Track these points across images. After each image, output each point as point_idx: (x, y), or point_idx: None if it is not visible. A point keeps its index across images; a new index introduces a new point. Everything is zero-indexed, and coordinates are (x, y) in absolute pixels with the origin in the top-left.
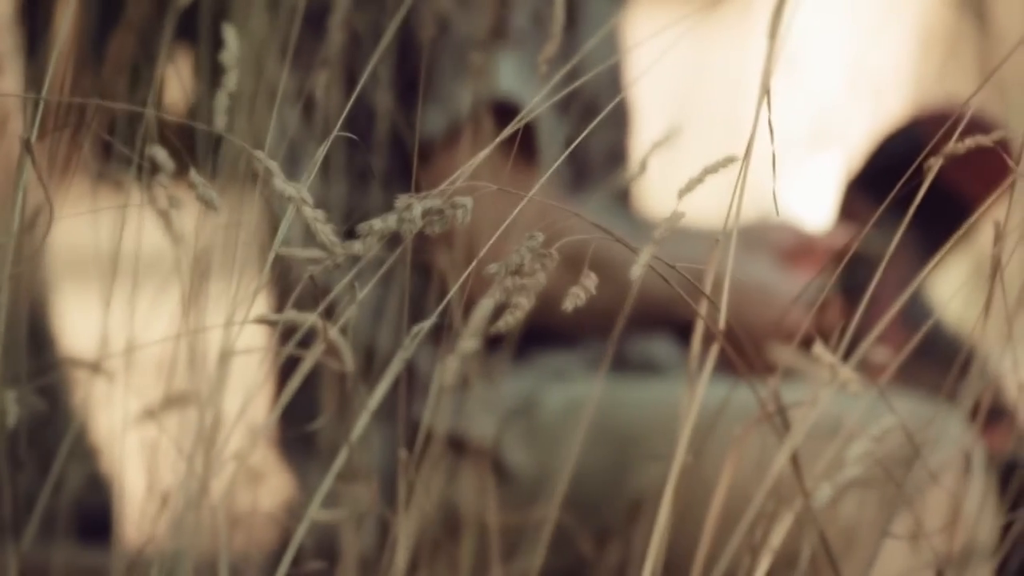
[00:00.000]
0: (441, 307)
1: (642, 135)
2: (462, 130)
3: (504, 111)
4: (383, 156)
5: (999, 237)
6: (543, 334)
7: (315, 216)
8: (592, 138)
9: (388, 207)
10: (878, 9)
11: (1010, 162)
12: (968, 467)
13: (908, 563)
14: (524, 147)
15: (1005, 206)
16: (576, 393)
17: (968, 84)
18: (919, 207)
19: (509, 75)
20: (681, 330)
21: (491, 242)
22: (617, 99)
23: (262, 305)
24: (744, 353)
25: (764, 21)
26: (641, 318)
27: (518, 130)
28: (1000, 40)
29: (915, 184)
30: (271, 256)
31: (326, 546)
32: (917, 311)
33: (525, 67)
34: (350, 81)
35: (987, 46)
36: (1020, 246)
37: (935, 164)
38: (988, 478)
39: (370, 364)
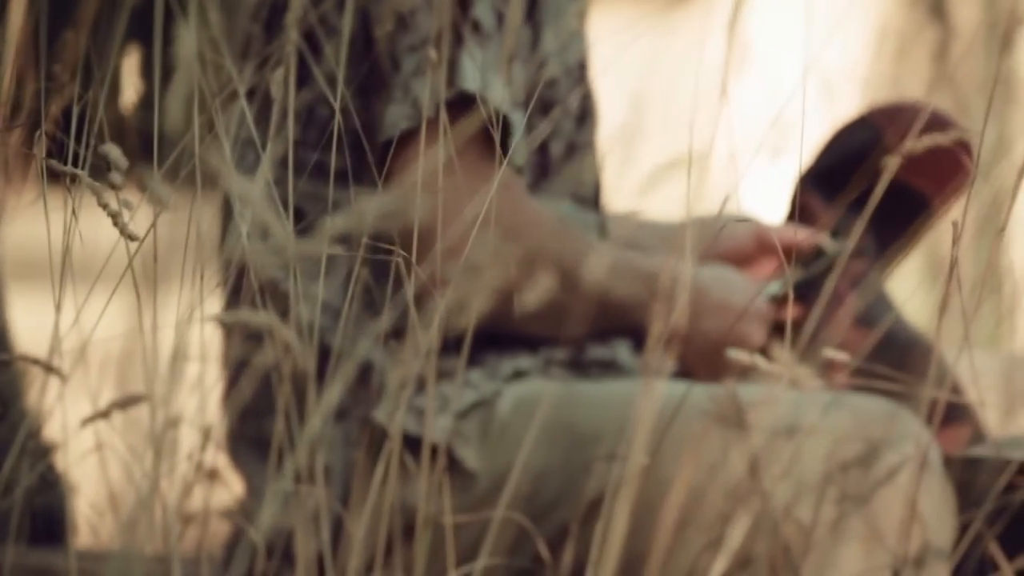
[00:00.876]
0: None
1: (604, 131)
2: (423, 126)
3: (468, 107)
4: (342, 154)
5: (956, 239)
6: (501, 335)
7: (267, 215)
8: (555, 134)
9: (346, 205)
10: (835, 7)
11: (967, 161)
12: (924, 466)
13: (865, 563)
14: (494, 143)
15: (960, 204)
16: (531, 392)
17: (922, 80)
18: (876, 196)
19: (471, 71)
20: (639, 336)
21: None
22: (581, 95)
23: (217, 304)
24: (702, 359)
25: (723, 19)
26: (601, 321)
27: (485, 126)
28: (954, 36)
29: (871, 180)
30: (227, 255)
31: (280, 546)
32: (876, 308)
33: (488, 62)
34: (305, 79)
35: (942, 42)
36: (974, 244)
37: (892, 162)
38: (944, 477)
39: (326, 363)
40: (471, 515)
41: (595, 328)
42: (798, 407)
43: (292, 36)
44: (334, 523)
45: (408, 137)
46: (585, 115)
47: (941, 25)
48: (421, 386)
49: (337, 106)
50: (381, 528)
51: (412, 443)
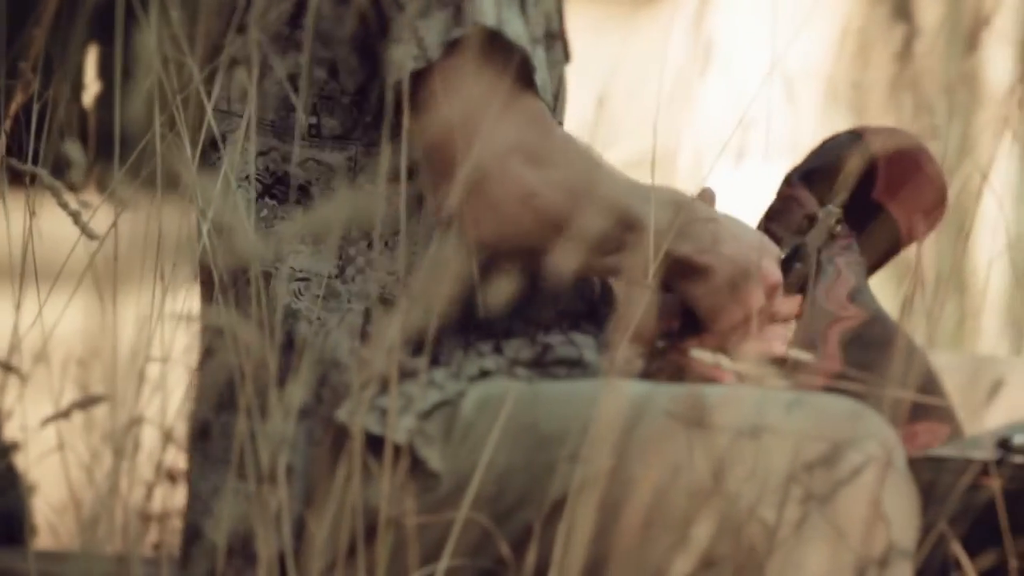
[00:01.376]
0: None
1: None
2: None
3: (491, 41)
4: (334, 115)
5: (920, 240)
6: (465, 336)
7: (232, 212)
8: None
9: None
10: (799, 6)
11: (944, 203)
12: (888, 465)
13: (829, 563)
14: (515, 81)
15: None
16: (495, 391)
17: (886, 80)
18: (854, 212)
19: (487, 5)
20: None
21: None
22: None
23: (182, 303)
24: (719, 292)
25: (688, 19)
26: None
27: (507, 63)
28: (918, 35)
29: (854, 188)
30: (198, 253)
31: (242, 546)
32: (869, 297)
33: (507, 0)
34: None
35: (906, 42)
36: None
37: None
38: (908, 477)
39: (291, 360)
40: (434, 516)
41: (621, 258)
42: (762, 407)
43: (255, 34)
44: (296, 523)
45: (418, 79)
46: (557, 95)
47: (905, 24)
48: (385, 385)
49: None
50: (343, 529)
51: (375, 443)
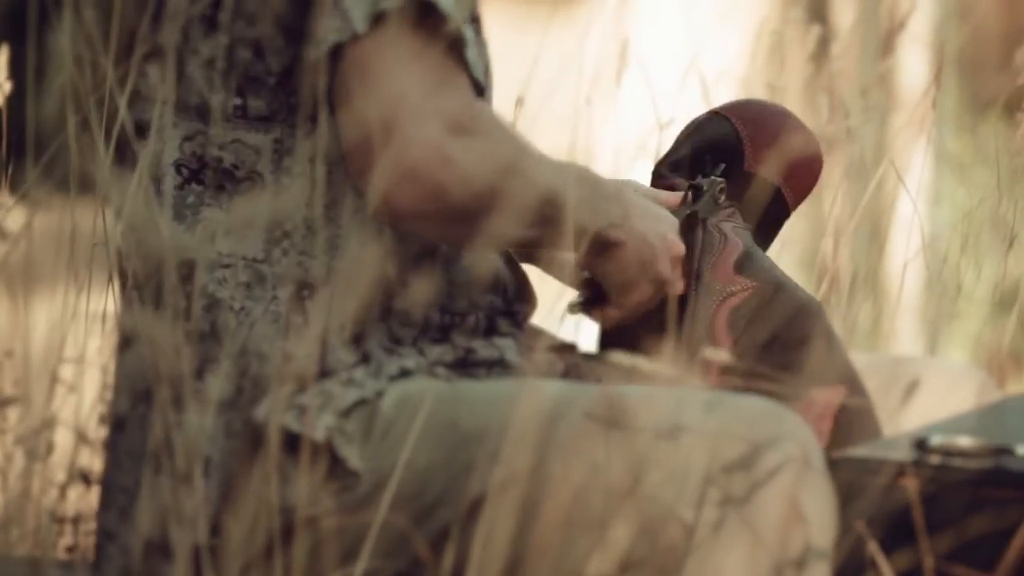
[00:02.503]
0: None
1: None
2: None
3: (422, 15)
4: (261, 97)
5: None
6: (385, 334)
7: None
8: None
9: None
10: (714, 7)
11: (818, 159)
12: (806, 466)
13: (746, 564)
14: (449, 55)
15: (839, 206)
16: (415, 390)
17: (801, 81)
18: (734, 187)
19: None
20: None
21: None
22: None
23: (96, 303)
24: (629, 266)
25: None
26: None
27: (439, 37)
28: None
29: (728, 167)
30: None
31: (159, 545)
32: (757, 259)
33: None
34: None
35: (821, 43)
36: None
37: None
38: (826, 477)
39: (211, 351)
40: (352, 515)
41: (542, 235)
42: (680, 407)
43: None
44: (213, 518)
45: (344, 53)
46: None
47: (820, 27)
48: (305, 383)
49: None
50: (260, 528)
51: (294, 441)
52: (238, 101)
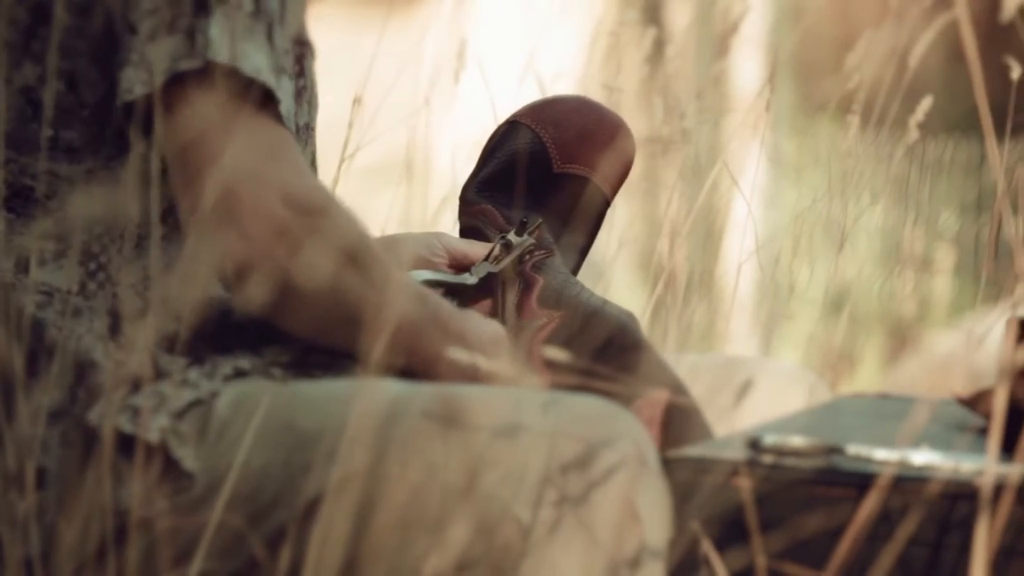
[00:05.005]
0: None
1: (323, 130)
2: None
3: (217, 75)
4: (73, 128)
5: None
6: (221, 336)
7: None
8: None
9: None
10: (551, 8)
11: (626, 143)
12: (642, 465)
13: (582, 564)
14: (252, 112)
15: (674, 206)
16: (251, 391)
17: (636, 82)
18: (548, 191)
19: (220, 41)
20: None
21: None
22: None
23: None
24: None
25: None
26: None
27: (245, 95)
28: (668, 39)
29: (540, 177)
30: None
31: None
32: (566, 289)
33: (240, 31)
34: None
35: (656, 45)
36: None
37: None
38: (662, 476)
39: (41, 362)
40: (187, 517)
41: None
42: (517, 407)
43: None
44: (48, 527)
45: (149, 101)
46: (303, 94)
47: (655, 28)
48: (138, 385)
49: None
50: (92, 530)
51: (129, 443)
52: (51, 132)
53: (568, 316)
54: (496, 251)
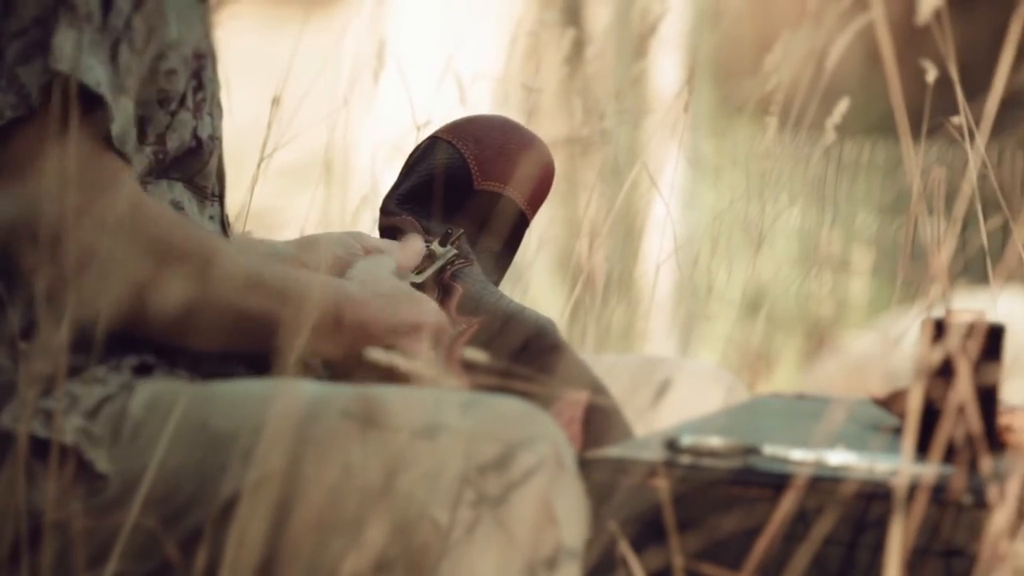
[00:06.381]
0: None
1: (239, 130)
2: (36, 111)
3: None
4: None
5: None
6: (133, 335)
7: None
8: (173, 126)
9: None
10: (471, 9)
11: (547, 165)
12: (559, 466)
13: (500, 564)
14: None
15: (593, 207)
16: (165, 391)
17: (556, 82)
18: (468, 209)
19: (63, 51)
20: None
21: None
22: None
23: None
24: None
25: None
26: (234, 333)
27: (85, 111)
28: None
29: (460, 192)
30: None
31: None
32: (485, 297)
33: (85, 44)
34: None
35: (576, 45)
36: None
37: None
38: (579, 477)
39: None
40: (101, 518)
41: (228, 339)
42: (436, 407)
43: None
44: None
45: (22, 127)
46: (203, 107)
47: (575, 29)
48: (49, 387)
49: None
50: (5, 533)
51: (42, 446)
52: None
53: (487, 322)
54: (420, 261)
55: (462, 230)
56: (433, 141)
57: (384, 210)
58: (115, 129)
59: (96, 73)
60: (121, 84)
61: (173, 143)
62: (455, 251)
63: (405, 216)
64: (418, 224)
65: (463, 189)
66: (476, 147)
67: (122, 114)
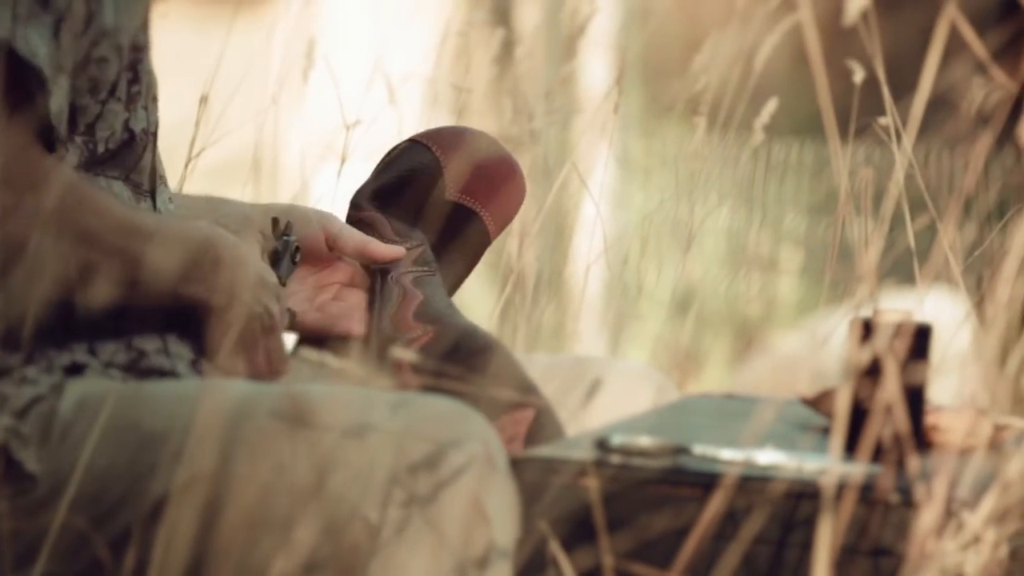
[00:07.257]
0: None
1: (167, 129)
2: None
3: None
4: None
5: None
6: (57, 330)
7: None
8: (104, 116)
9: None
10: (400, 8)
11: (519, 184)
12: (490, 466)
13: (430, 564)
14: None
15: (524, 206)
16: (95, 391)
17: (485, 83)
18: (436, 214)
19: (5, 18)
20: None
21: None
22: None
23: None
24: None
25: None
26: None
27: (15, 83)
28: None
29: (432, 200)
30: None
31: None
32: (439, 307)
33: (22, 14)
34: None
35: (505, 46)
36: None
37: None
38: (510, 476)
39: None
40: (29, 518)
41: (143, 295)
42: (366, 407)
43: None
44: None
45: None
46: (137, 99)
47: (504, 29)
48: None
49: None
50: None
51: None
52: None
53: (439, 331)
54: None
55: (297, 243)
56: (413, 143)
57: (354, 203)
58: (53, 106)
59: (33, 44)
60: (60, 63)
61: (103, 133)
62: (295, 241)
63: (374, 212)
64: (387, 222)
65: (436, 197)
66: (454, 157)
67: (59, 91)
